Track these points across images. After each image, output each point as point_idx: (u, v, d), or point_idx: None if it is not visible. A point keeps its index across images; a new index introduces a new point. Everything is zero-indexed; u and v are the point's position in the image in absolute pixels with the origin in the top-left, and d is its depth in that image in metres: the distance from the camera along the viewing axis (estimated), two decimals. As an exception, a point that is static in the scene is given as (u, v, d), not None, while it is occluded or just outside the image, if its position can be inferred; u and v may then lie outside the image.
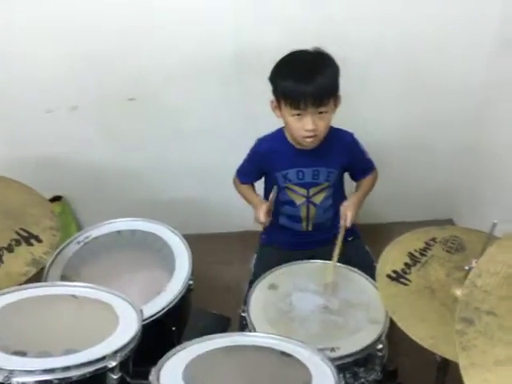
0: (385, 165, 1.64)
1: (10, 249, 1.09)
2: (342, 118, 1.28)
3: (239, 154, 1.43)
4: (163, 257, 1.29)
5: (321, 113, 1.18)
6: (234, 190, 1.50)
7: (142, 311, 1.00)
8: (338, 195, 1.42)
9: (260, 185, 1.48)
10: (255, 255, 1.46)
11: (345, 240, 1.38)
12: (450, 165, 1.87)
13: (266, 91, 1.27)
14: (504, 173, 1.61)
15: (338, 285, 1.23)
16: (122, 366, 0.90)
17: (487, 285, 0.57)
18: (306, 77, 1.15)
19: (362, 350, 1.04)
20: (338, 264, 1.28)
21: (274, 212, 1.38)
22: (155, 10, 1.50)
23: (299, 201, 1.38)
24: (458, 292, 0.97)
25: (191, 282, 1.22)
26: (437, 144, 1.81)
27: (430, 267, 1.04)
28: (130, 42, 1.55)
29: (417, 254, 1.07)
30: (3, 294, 0.97)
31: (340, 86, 1.24)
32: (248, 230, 1.88)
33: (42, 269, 1.16)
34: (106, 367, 0.86)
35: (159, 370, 0.91)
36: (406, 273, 1.04)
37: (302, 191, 1.36)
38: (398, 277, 1.03)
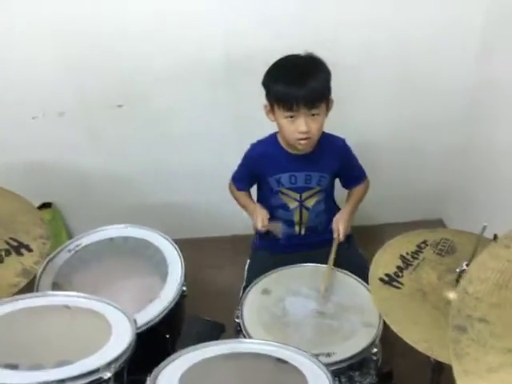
0: (376, 166, 1.65)
1: (-1, 259, 1.07)
2: (333, 120, 1.29)
3: (229, 158, 1.44)
4: (155, 263, 1.29)
5: (313, 115, 1.20)
6: (225, 194, 1.50)
7: (135, 320, 0.99)
8: (330, 200, 1.43)
9: (253, 191, 1.49)
10: (248, 260, 1.46)
11: (339, 244, 1.39)
12: (440, 166, 1.89)
13: (257, 94, 1.27)
14: (493, 173, 1.63)
15: (332, 288, 1.23)
16: (117, 376, 0.89)
17: (478, 292, 0.58)
18: (298, 81, 1.17)
19: (357, 355, 1.05)
20: (332, 267, 1.28)
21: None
22: (143, 14, 1.50)
23: (292, 205, 1.39)
24: (451, 295, 0.98)
25: (184, 289, 1.22)
26: (427, 145, 1.83)
27: (422, 270, 1.05)
28: (118, 47, 1.55)
29: (409, 257, 1.08)
30: (-6, 305, 0.96)
31: (331, 90, 1.24)
32: (239, 233, 1.89)
33: (34, 277, 1.15)
34: (100, 379, 0.86)
35: (155, 378, 0.91)
36: (398, 276, 1.04)
37: (295, 195, 1.37)
38: (390, 280, 1.04)
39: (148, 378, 0.91)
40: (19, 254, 1.09)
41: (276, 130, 1.34)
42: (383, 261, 1.08)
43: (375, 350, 1.07)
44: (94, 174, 1.83)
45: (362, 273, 1.22)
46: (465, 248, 1.07)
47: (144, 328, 1.09)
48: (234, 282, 1.42)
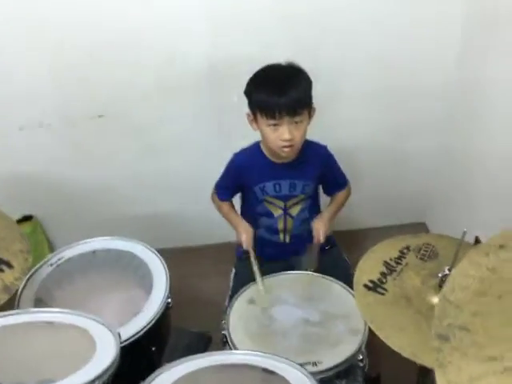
0: (358, 172, 1.67)
1: (-21, 277, 1.04)
2: (315, 127, 1.30)
3: (213, 168, 1.43)
4: (140, 276, 1.27)
5: (296, 123, 1.21)
6: (208, 203, 1.49)
7: (119, 334, 0.98)
8: (314, 208, 1.44)
9: (236, 199, 1.48)
10: (233, 268, 1.46)
11: (322, 249, 1.40)
12: (422, 170, 1.91)
13: (240, 105, 1.28)
14: (476, 176, 1.66)
15: (318, 296, 1.24)
16: (102, 392, 0.88)
17: (459, 300, 0.59)
18: (280, 89, 1.18)
19: (344, 362, 1.05)
20: (317, 274, 1.29)
21: (253, 226, 1.40)
22: (126, 25, 1.49)
23: (276, 213, 1.39)
24: (434, 300, 0.99)
25: (169, 301, 1.20)
26: (409, 150, 1.85)
27: (406, 275, 1.06)
28: (102, 58, 1.54)
29: (392, 263, 1.09)
30: (-26, 324, 0.94)
31: (313, 98, 1.26)
32: (223, 241, 1.89)
33: (15, 292, 1.13)
34: (84, 396, 0.84)
35: (141, 394, 0.90)
36: (382, 282, 1.05)
37: (279, 203, 1.38)
38: (374, 286, 1.04)
39: (134, 393, 0.90)
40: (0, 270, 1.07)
41: (259, 138, 1.35)
42: (367, 267, 1.09)
43: (361, 356, 1.08)
44: (76, 185, 1.81)
45: (347, 278, 1.24)
46: (447, 252, 1.08)
47: (129, 341, 1.08)
48: (219, 291, 1.42)
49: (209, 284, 1.74)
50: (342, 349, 1.08)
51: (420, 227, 2.01)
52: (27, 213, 1.81)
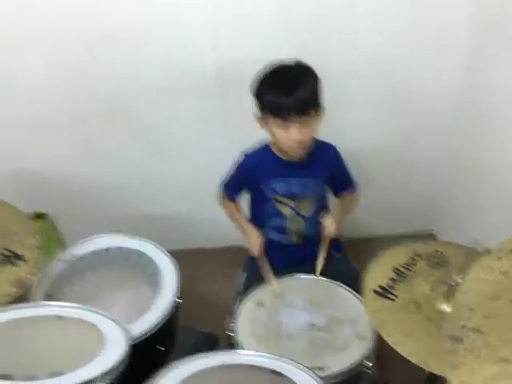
0: (366, 179, 1.66)
1: (-6, 270, 1.06)
2: (321, 132, 1.30)
3: (221, 169, 1.44)
4: (150, 274, 1.28)
5: (306, 122, 1.21)
6: (216, 205, 1.50)
7: (129, 331, 0.99)
8: (324, 209, 1.44)
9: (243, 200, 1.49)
10: (244, 271, 1.46)
11: (331, 256, 1.40)
12: (430, 176, 1.90)
13: (246, 105, 1.28)
14: (484, 184, 1.65)
15: (325, 300, 1.24)
16: (110, 388, 0.88)
17: (472, 303, 0.59)
18: (288, 89, 1.17)
19: (350, 369, 1.05)
20: (325, 279, 1.30)
21: (262, 226, 1.40)
22: (133, 24, 1.50)
23: (287, 212, 1.38)
24: (444, 307, 0.99)
25: (178, 300, 1.21)
26: (417, 157, 1.84)
27: (415, 282, 1.06)
28: (108, 57, 1.55)
29: (402, 269, 1.09)
30: (-13, 316, 0.95)
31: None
32: (232, 244, 1.89)
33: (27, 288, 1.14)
34: (93, 390, 0.85)
35: (148, 391, 0.90)
36: (392, 288, 1.05)
37: (290, 202, 1.37)
38: (384, 292, 1.04)
39: (142, 390, 0.90)
40: (14, 264, 1.08)
41: (265, 138, 1.35)
42: (377, 273, 1.09)
43: (370, 364, 1.07)
44: (88, 184, 1.82)
45: (354, 284, 1.23)
46: (456, 260, 1.08)
47: (137, 340, 1.08)
48: (227, 293, 1.42)
49: (216, 286, 1.75)
50: (349, 354, 1.08)
51: (428, 237, 2.00)
52: (39, 210, 1.83)
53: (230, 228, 1.51)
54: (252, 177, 1.37)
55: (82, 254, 1.32)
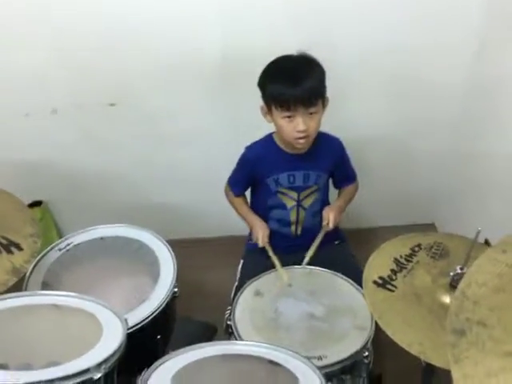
0: (368, 169, 1.65)
1: (-11, 257, 1.05)
2: (325, 119, 1.28)
3: (223, 160, 1.43)
4: (147, 263, 1.27)
5: (311, 113, 1.20)
6: (218, 195, 1.49)
7: (126, 320, 0.98)
8: (325, 200, 1.44)
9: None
10: (241, 260, 1.46)
11: (331, 243, 1.40)
12: (432, 169, 1.89)
13: (252, 97, 1.27)
14: (485, 176, 1.64)
15: (323, 290, 1.23)
16: (107, 377, 0.87)
17: (476, 295, 0.58)
18: (294, 80, 1.17)
19: (349, 358, 1.05)
20: (324, 269, 1.29)
21: (264, 217, 1.40)
22: (140, 14, 1.48)
23: (290, 204, 1.39)
24: (445, 298, 0.98)
25: (176, 290, 1.20)
26: (420, 148, 1.83)
27: (416, 273, 1.05)
28: (112, 45, 1.52)
29: (402, 260, 1.08)
30: (-18, 304, 0.94)
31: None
32: (230, 234, 1.89)
33: (23, 276, 1.13)
34: (90, 379, 0.84)
35: (146, 380, 0.90)
36: (392, 279, 1.04)
37: (293, 195, 1.37)
38: (384, 283, 1.04)
39: (139, 379, 0.90)
40: (9, 252, 1.07)
41: (271, 130, 1.34)
42: (377, 263, 1.08)
43: (367, 353, 1.07)
44: (86, 172, 1.81)
45: (355, 275, 1.23)
46: (458, 252, 1.07)
47: (135, 328, 1.08)
48: (225, 283, 1.41)
49: (215, 275, 1.74)
50: (348, 344, 1.08)
51: (429, 228, 2.00)
52: (37, 199, 1.82)
53: (231, 217, 1.50)
54: (255, 170, 1.36)
55: (78, 243, 1.31)
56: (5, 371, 0.82)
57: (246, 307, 1.19)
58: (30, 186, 1.77)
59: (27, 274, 1.18)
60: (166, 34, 1.52)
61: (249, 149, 1.37)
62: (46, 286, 1.19)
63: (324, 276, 1.28)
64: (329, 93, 1.25)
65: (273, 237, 1.39)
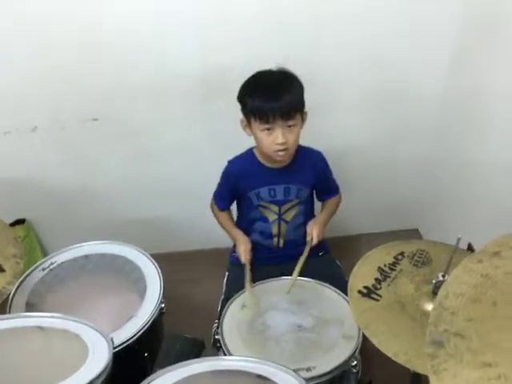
0: (351, 177, 1.67)
1: (-30, 280, 1.03)
2: (308, 133, 1.30)
3: (207, 173, 1.43)
4: (133, 280, 1.27)
5: (290, 126, 1.22)
6: (201, 208, 1.50)
7: (112, 340, 0.97)
8: (308, 213, 1.45)
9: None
10: (226, 273, 1.46)
11: (315, 255, 1.40)
12: (415, 176, 1.91)
13: (233, 110, 1.28)
14: (469, 183, 1.66)
15: (310, 301, 1.24)
16: (94, 399, 0.87)
17: (454, 306, 0.59)
18: (273, 94, 1.19)
19: (337, 368, 1.05)
20: (311, 280, 1.30)
21: (248, 229, 1.41)
22: (119, 28, 1.48)
23: (271, 218, 1.40)
24: (428, 306, 0.99)
25: (163, 306, 1.20)
26: (402, 156, 1.86)
27: (399, 282, 1.06)
28: (94, 61, 1.53)
29: (386, 269, 1.09)
30: (-36, 328, 0.93)
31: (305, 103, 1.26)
32: (216, 247, 1.88)
33: (6, 297, 1.11)
34: (76, 402, 0.83)
35: (133, 400, 0.89)
36: (376, 288, 1.05)
37: (274, 208, 1.38)
38: (369, 292, 1.04)
39: (127, 400, 0.89)
40: (-9, 274, 1.05)
41: (252, 145, 1.35)
42: (362, 273, 1.09)
43: (355, 362, 1.08)
44: (69, 189, 1.79)
45: (340, 284, 1.24)
46: (440, 259, 1.08)
47: (121, 347, 1.07)
48: (212, 296, 1.41)
49: (202, 289, 1.74)
50: (336, 354, 1.08)
51: (413, 234, 2.02)
52: (19, 217, 1.80)
53: (215, 231, 1.50)
54: (237, 184, 1.38)
55: (62, 262, 1.29)
56: (-12, 398, 0.81)
57: (233, 320, 1.19)
58: (13, 204, 1.76)
59: (10, 296, 1.17)
60: (148, 50, 1.53)
61: (231, 163, 1.38)
62: (30, 306, 1.18)
63: (311, 287, 1.28)
64: (309, 106, 1.27)
65: (256, 248, 1.40)
